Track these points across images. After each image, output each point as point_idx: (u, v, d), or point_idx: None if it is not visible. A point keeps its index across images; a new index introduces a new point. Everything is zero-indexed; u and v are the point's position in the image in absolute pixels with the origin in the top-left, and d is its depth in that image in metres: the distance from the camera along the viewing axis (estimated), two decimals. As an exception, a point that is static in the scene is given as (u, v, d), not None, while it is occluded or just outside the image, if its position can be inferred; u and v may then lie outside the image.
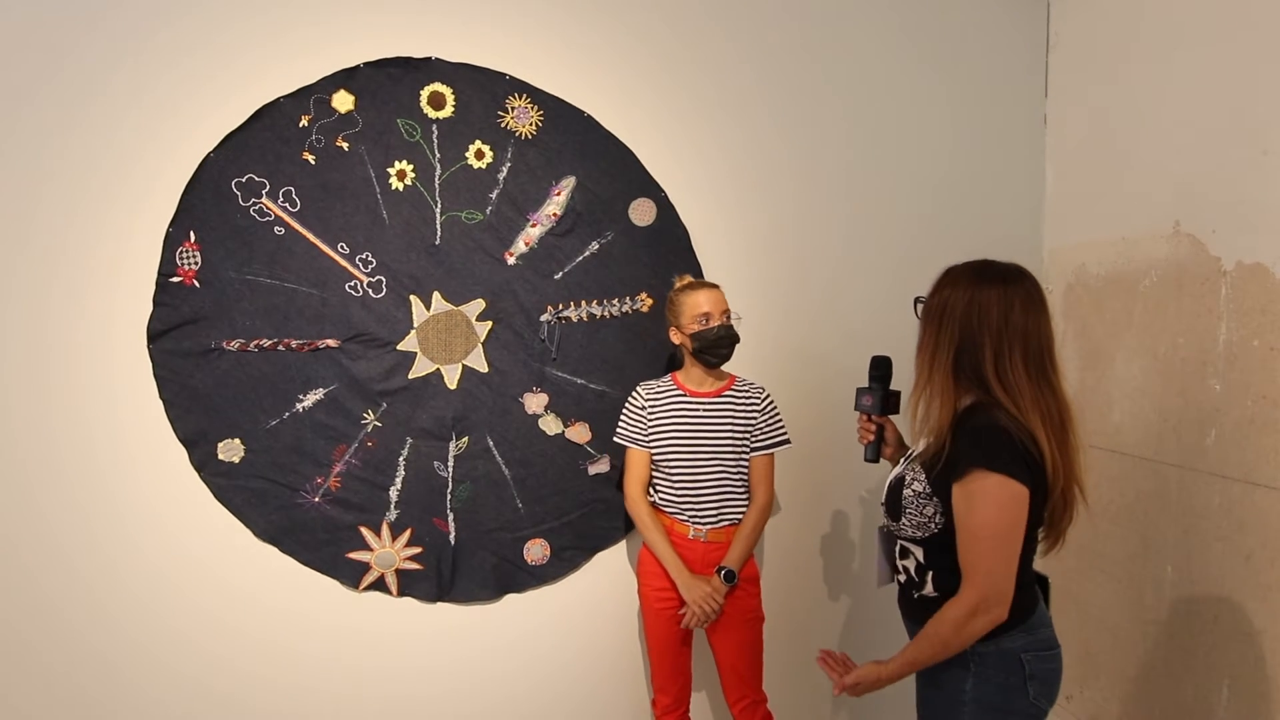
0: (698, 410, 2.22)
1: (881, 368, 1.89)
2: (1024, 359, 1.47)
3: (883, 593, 1.77)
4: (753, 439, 2.24)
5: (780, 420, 2.28)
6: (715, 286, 2.23)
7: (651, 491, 2.30)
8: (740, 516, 2.23)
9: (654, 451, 2.25)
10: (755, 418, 2.24)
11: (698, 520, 2.21)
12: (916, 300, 1.64)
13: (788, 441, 2.28)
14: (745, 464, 2.24)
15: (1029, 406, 1.46)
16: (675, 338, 2.25)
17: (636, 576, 2.35)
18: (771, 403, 2.28)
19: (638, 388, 2.32)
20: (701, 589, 2.15)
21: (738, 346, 2.23)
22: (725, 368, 2.27)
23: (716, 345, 2.17)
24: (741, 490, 2.23)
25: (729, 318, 2.20)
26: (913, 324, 1.64)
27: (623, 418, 2.32)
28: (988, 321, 1.48)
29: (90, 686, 2.28)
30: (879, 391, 1.85)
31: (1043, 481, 1.48)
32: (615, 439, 2.33)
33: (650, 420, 2.25)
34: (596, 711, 2.56)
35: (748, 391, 2.27)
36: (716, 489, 2.21)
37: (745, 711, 2.24)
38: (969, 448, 1.46)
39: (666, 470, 2.24)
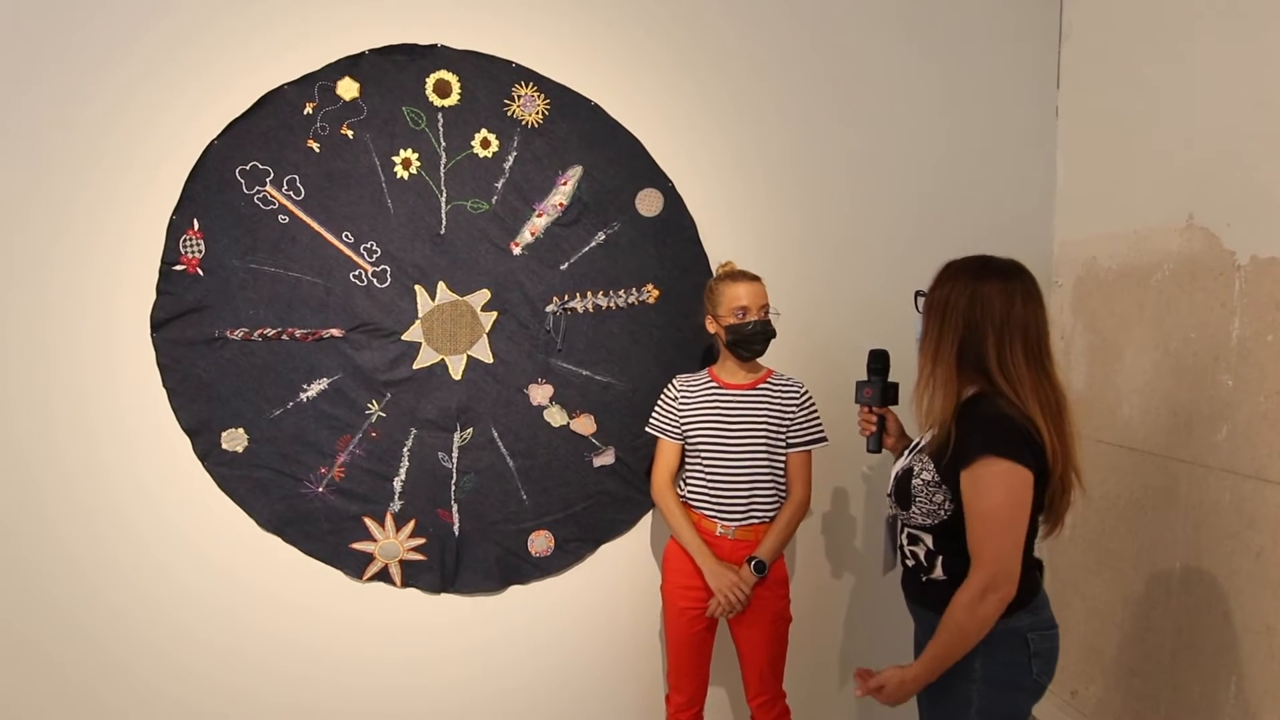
0: (730, 401, 2.19)
1: (880, 360, 1.94)
2: (1024, 350, 1.53)
3: (894, 583, 1.81)
4: (789, 435, 2.20)
5: (817, 416, 2.23)
6: (757, 279, 2.18)
7: (681, 486, 2.27)
8: (769, 516, 2.19)
9: (686, 443, 2.23)
10: (792, 413, 2.20)
11: (726, 517, 2.17)
12: (917, 294, 1.68)
13: (824, 439, 2.24)
14: (777, 460, 2.20)
15: (1029, 395, 1.52)
16: (711, 326, 2.22)
17: (661, 572, 2.32)
18: (809, 398, 2.23)
19: (674, 379, 2.29)
20: (728, 577, 2.13)
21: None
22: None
23: (750, 340, 2.14)
24: (771, 488, 2.19)
25: (767, 313, 2.16)
26: (915, 316, 1.69)
27: (655, 408, 2.30)
28: (990, 315, 1.53)
29: (91, 678, 2.28)
30: (878, 384, 1.92)
31: (1044, 466, 1.53)
32: (646, 429, 2.32)
33: (681, 411, 2.23)
34: (600, 705, 2.55)
35: (785, 386, 2.22)
36: (746, 483, 2.17)
37: (764, 708, 2.22)
38: (977, 435, 1.51)
39: (696, 462, 2.21)
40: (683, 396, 2.24)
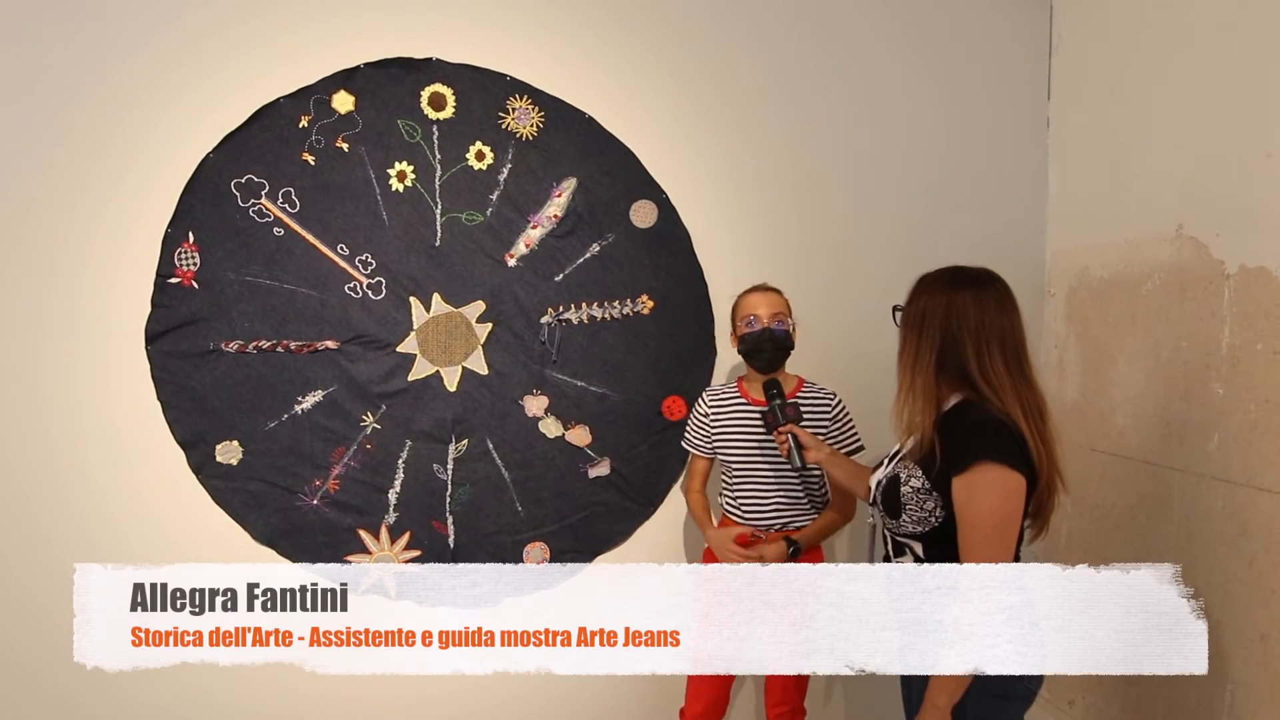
0: (757, 419, 2.15)
1: (770, 387, 2.06)
2: (1002, 356, 1.55)
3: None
4: None
5: (853, 424, 2.21)
6: (772, 290, 2.19)
7: (721, 493, 2.27)
8: (803, 524, 2.16)
9: (718, 457, 2.24)
10: (825, 425, 2.17)
11: (758, 525, 2.16)
12: (895, 309, 1.69)
13: (862, 448, 2.21)
14: (812, 472, 2.16)
15: (1011, 400, 1.53)
16: (732, 344, 2.23)
17: None
18: (843, 408, 2.21)
19: (704, 393, 2.29)
20: (721, 540, 2.12)
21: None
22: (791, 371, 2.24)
23: (757, 347, 2.13)
24: (805, 498, 2.17)
25: (781, 322, 2.15)
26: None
27: (689, 423, 2.33)
28: (966, 323, 1.55)
29: (85, 693, 2.26)
30: (776, 406, 2.03)
31: (1032, 471, 1.54)
32: (682, 443, 2.34)
33: (712, 428, 2.23)
34: (599, 717, 2.54)
35: (816, 398, 2.20)
36: (779, 497, 2.15)
37: (782, 718, 2.21)
38: (972, 441, 1.51)
39: (730, 476, 2.22)
40: (713, 413, 2.24)
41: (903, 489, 1.62)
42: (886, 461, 1.73)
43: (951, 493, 1.53)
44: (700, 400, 2.29)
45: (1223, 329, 2.01)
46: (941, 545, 1.59)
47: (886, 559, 1.73)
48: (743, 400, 2.22)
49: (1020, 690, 1.60)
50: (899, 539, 1.67)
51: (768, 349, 2.13)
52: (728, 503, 2.23)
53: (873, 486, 1.73)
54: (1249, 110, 1.95)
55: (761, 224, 2.55)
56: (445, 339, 2.38)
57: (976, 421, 1.53)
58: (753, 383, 2.22)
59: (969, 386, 1.56)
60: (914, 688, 1.72)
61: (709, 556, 2.27)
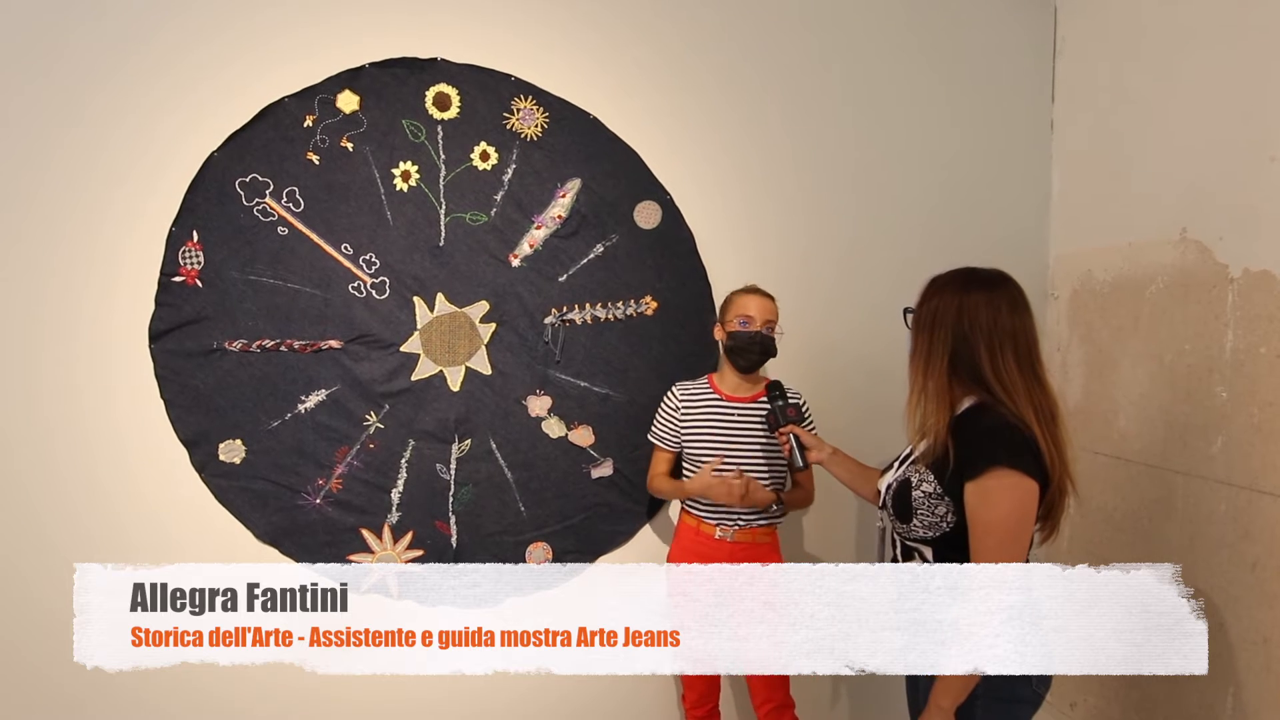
0: (730, 416, 2.21)
1: (772, 389, 2.09)
2: (1015, 358, 1.54)
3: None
4: None
5: (813, 425, 2.25)
6: (769, 296, 2.22)
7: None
8: (769, 521, 2.21)
9: (685, 451, 2.26)
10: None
11: (725, 521, 2.19)
12: (906, 311, 1.69)
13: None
14: (778, 467, 2.21)
15: (1023, 403, 1.52)
16: (717, 334, 2.26)
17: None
18: (806, 407, 2.25)
19: (674, 387, 2.30)
20: (712, 483, 2.12)
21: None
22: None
23: (746, 348, 2.16)
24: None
25: (771, 329, 2.19)
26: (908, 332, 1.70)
27: (657, 416, 2.33)
28: (979, 324, 1.54)
29: (86, 693, 2.26)
30: (778, 408, 2.06)
31: (1045, 475, 1.53)
32: (649, 436, 2.34)
33: (681, 422, 2.25)
34: (606, 714, 2.54)
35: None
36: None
37: (771, 715, 2.22)
38: (986, 446, 1.50)
39: (696, 471, 2.22)
40: (684, 407, 2.26)
41: (914, 493, 1.60)
42: (896, 464, 1.71)
43: (964, 498, 1.52)
44: (670, 395, 2.30)
45: (1226, 332, 2.02)
46: (951, 550, 1.58)
47: (894, 563, 1.72)
48: (715, 396, 2.24)
49: (1028, 694, 1.59)
50: (908, 543, 1.66)
51: (755, 351, 2.17)
52: (693, 499, 2.23)
53: (882, 490, 1.71)
54: (1253, 114, 1.96)
55: (765, 226, 2.55)
56: (449, 339, 2.38)
57: (990, 426, 1.52)
58: (726, 379, 2.25)
59: (982, 389, 1.55)
60: (921, 690, 1.72)
61: (676, 553, 2.26)
